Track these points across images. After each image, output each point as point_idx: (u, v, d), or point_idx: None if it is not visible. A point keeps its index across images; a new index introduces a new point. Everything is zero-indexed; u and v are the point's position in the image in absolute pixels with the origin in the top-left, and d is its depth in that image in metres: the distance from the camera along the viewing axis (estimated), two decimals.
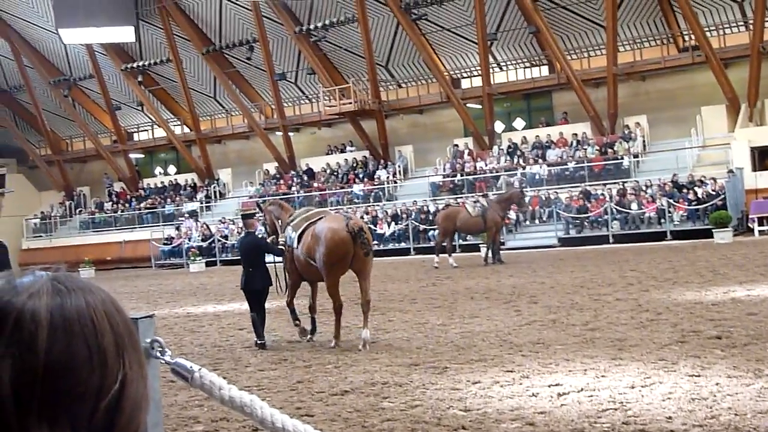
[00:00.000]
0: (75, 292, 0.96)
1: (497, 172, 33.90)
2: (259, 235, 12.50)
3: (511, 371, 8.01)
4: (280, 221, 11.88)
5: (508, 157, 34.43)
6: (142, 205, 43.29)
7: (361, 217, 32.54)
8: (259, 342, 10.87)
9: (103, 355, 0.93)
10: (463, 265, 22.45)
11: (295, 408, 7.17)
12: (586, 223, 29.28)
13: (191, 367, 2.07)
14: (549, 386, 7.26)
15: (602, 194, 29.58)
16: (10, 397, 0.88)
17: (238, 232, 33.40)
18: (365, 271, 10.48)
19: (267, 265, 11.19)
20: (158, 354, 2.13)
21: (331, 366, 9.14)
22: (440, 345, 9.92)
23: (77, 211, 46.36)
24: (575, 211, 29.41)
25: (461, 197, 30.93)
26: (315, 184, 38.50)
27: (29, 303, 0.93)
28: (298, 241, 10.94)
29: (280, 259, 11.54)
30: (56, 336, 0.91)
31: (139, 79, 42.74)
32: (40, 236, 45.38)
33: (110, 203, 45.32)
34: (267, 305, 11.39)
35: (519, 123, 37.82)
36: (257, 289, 11.02)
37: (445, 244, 23.44)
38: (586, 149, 32.81)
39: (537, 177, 32.81)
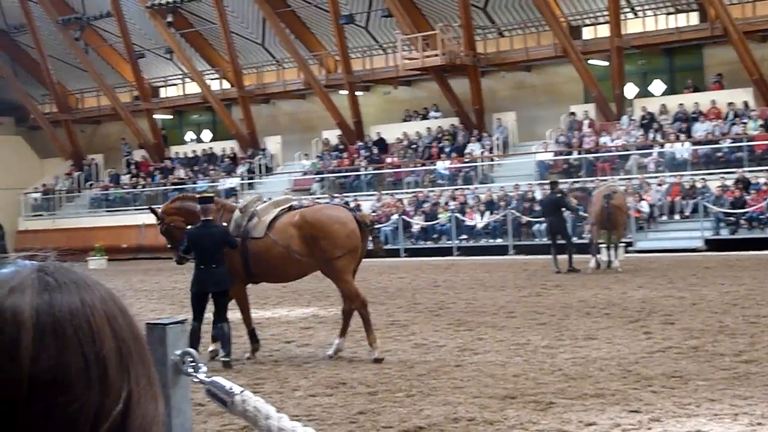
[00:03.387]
0: (67, 286, 0.95)
1: (626, 150, 33.51)
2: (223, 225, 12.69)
3: (638, 411, 7.97)
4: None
5: (642, 131, 34.05)
6: (168, 179, 44.11)
7: (446, 204, 32.77)
8: (220, 355, 11.65)
9: (102, 367, 0.93)
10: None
11: None
12: (742, 222, 28.90)
13: (231, 388, 2.09)
14: None
15: (766, 184, 29.08)
16: None
17: None
18: (354, 272, 11.79)
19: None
20: (190, 370, 2.14)
21: (402, 394, 9.19)
22: (544, 373, 9.92)
23: (87, 184, 47.51)
24: (729, 206, 29.03)
25: (578, 181, 30.62)
26: (387, 160, 38.66)
27: (9, 299, 0.93)
28: (268, 229, 11.72)
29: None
30: (44, 341, 0.91)
31: (169, 19, 43.40)
32: (41, 215, 46.63)
33: (128, 176, 46.27)
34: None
35: (657, 87, 37.34)
36: (218, 292, 11.44)
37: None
38: (746, 124, 32.29)
39: (679, 158, 32.39)
